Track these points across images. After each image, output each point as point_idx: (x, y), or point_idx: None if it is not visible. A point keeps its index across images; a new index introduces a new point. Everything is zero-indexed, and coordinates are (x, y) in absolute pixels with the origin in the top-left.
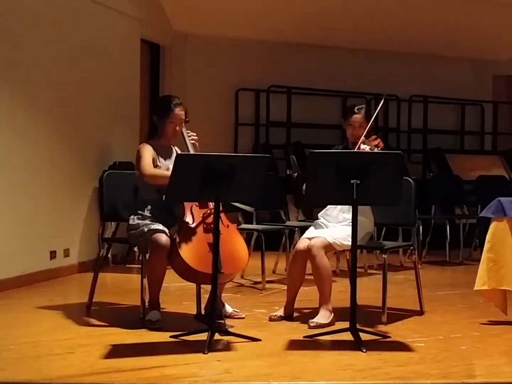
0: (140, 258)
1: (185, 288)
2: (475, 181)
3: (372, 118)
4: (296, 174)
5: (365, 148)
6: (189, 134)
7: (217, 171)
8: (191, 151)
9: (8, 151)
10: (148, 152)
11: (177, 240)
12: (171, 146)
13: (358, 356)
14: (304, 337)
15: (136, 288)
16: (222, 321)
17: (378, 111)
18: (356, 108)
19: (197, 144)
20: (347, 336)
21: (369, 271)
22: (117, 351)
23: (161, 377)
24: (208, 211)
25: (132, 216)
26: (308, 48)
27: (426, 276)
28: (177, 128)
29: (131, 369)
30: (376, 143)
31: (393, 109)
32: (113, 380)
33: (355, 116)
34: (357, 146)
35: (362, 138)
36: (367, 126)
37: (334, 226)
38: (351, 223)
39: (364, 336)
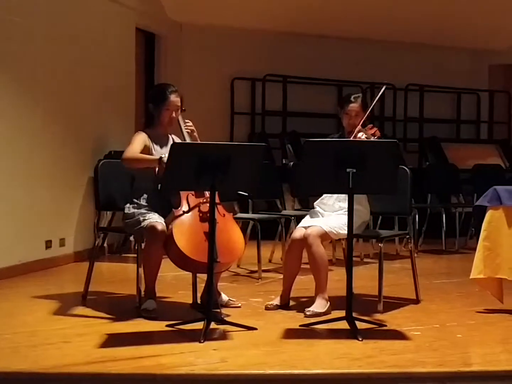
0: (136, 247)
1: (181, 277)
2: (471, 170)
3: (370, 108)
4: (292, 163)
5: (362, 136)
6: (185, 123)
7: (212, 160)
8: (187, 140)
9: (3, 141)
10: (139, 139)
11: (173, 229)
12: (168, 134)
13: (354, 345)
14: (300, 326)
15: (132, 277)
16: (218, 310)
17: (375, 101)
18: (352, 97)
19: (195, 132)
20: (343, 325)
21: (365, 260)
22: (113, 340)
23: (157, 366)
24: (204, 200)
25: (127, 205)
26: (304, 37)
27: (422, 265)
28: (173, 115)
29: (127, 358)
30: (373, 132)
31: (389, 98)
32: (109, 369)
33: (351, 105)
34: (353, 134)
35: (359, 127)
36: (363, 115)
37: (330, 215)
38: (347, 212)
39: (360, 325)
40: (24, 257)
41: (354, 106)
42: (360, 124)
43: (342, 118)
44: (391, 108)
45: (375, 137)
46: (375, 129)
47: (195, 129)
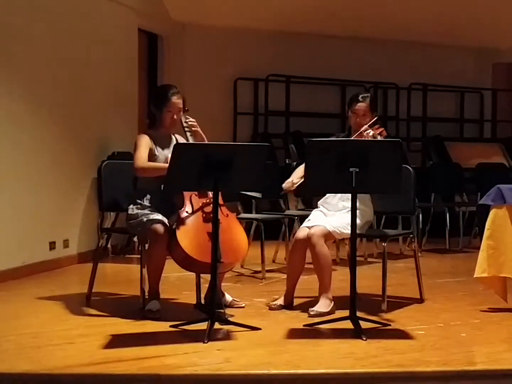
0: (140, 248)
1: (185, 278)
2: (474, 169)
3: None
4: (295, 163)
5: (369, 133)
6: (189, 121)
7: (215, 160)
8: (190, 140)
9: (7, 143)
10: (144, 143)
11: (177, 229)
12: (171, 135)
13: (358, 344)
14: (304, 325)
15: (135, 278)
16: (222, 311)
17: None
18: (360, 96)
19: (199, 130)
20: (347, 325)
21: (369, 259)
22: (117, 341)
23: (161, 366)
24: (207, 200)
25: (131, 206)
26: (306, 37)
27: (426, 264)
28: (175, 116)
29: (131, 359)
30: (379, 131)
31: (392, 97)
32: (113, 370)
33: (359, 104)
34: (359, 132)
35: (365, 126)
36: (371, 114)
37: (333, 214)
38: (350, 212)
39: (364, 324)
40: (28, 258)
41: (362, 105)
42: (368, 125)
43: (349, 117)
44: (394, 107)
45: (382, 137)
46: (381, 128)
47: (198, 125)
